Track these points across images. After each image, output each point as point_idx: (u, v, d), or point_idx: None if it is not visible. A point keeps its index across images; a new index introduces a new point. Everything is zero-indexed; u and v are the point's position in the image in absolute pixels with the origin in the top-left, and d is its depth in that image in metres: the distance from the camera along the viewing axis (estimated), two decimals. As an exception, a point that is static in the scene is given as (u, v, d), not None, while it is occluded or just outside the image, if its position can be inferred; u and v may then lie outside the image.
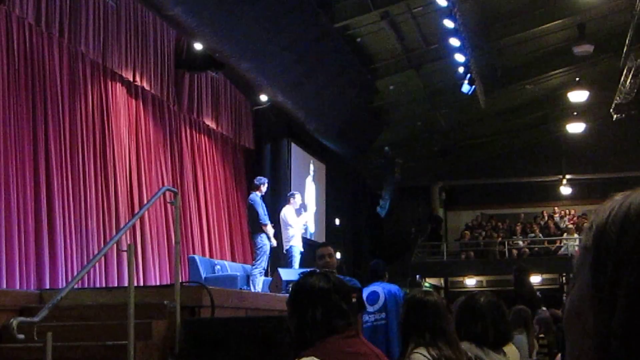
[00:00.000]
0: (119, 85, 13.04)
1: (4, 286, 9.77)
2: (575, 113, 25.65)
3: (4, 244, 9.96)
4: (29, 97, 10.75)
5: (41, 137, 10.90)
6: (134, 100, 13.55)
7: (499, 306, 4.37)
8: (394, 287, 9.68)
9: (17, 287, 9.83)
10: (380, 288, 9.41)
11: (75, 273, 11.04)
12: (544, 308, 10.35)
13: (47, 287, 10.20)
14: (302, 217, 14.07)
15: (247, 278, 12.97)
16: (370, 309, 9.32)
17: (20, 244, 10.18)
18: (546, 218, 28.07)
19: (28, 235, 10.37)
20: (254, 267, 12.85)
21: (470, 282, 27.96)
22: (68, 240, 11.16)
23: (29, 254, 10.33)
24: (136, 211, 12.01)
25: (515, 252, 26.46)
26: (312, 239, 18.81)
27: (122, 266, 12.44)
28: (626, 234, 0.97)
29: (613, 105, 23.33)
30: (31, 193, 10.56)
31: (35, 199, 10.62)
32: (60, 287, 10.11)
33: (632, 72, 20.54)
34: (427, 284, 26.30)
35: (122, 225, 11.95)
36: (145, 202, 12.28)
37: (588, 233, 1.03)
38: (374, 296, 9.40)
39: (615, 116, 23.79)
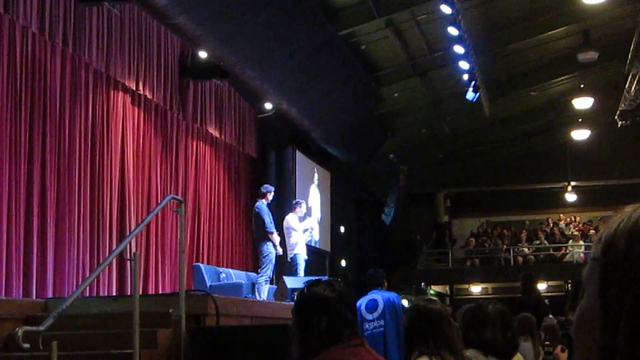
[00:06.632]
0: (122, 94, 13.04)
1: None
2: (580, 120, 25.65)
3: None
4: (28, 106, 10.73)
5: (38, 144, 10.85)
6: (137, 109, 13.55)
7: (507, 315, 4.37)
8: (392, 295, 9.72)
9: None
10: (379, 296, 9.45)
11: (68, 283, 11.05)
12: (551, 316, 10.33)
13: (35, 297, 10.16)
14: (306, 222, 14.06)
15: (252, 286, 12.96)
16: (369, 316, 9.35)
17: (10, 254, 10.13)
18: (551, 225, 28.06)
19: (19, 245, 10.33)
20: (259, 275, 12.85)
21: (476, 289, 27.93)
22: (59, 250, 11.12)
23: (19, 263, 10.30)
24: (142, 220, 12.00)
25: (520, 259, 26.42)
26: (317, 246, 18.81)
27: (125, 275, 12.46)
28: (634, 246, 0.98)
29: (618, 112, 23.32)
30: (25, 201, 10.53)
31: (27, 206, 10.59)
32: (49, 296, 10.11)
33: (637, 78, 20.54)
34: (432, 292, 26.29)
35: (125, 235, 11.98)
36: (151, 210, 12.27)
37: (597, 245, 1.03)
38: (373, 304, 9.44)
39: (620, 123, 23.77)
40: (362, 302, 9.50)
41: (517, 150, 28.53)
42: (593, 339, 1.00)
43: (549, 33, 18.93)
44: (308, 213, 15.37)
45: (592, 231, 26.11)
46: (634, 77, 20.75)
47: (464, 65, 17.51)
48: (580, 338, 1.05)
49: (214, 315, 7.61)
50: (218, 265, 14.78)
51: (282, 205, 15.81)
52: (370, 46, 17.93)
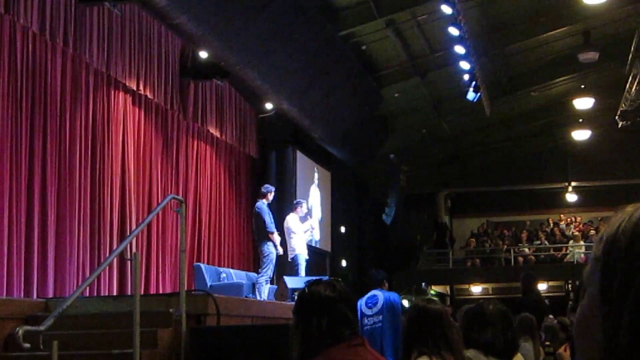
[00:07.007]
0: (122, 94, 13.04)
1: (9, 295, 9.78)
2: (580, 120, 25.65)
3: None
4: (28, 106, 10.73)
5: (38, 145, 10.84)
6: (137, 109, 13.55)
7: (508, 315, 4.36)
8: (393, 295, 9.84)
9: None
10: (380, 293, 9.59)
11: (68, 283, 11.06)
12: (551, 316, 10.33)
13: (36, 297, 10.16)
14: (307, 223, 14.06)
15: (253, 286, 12.96)
16: (368, 312, 9.47)
17: (11, 253, 10.13)
18: (552, 225, 28.04)
19: (20, 244, 10.33)
20: (260, 275, 12.84)
21: (476, 289, 27.93)
22: (60, 250, 11.12)
23: (20, 263, 10.30)
24: (142, 220, 12.00)
25: (521, 259, 26.41)
26: (318, 246, 18.81)
27: (126, 274, 12.47)
28: (635, 245, 0.98)
29: (618, 112, 23.32)
30: (25, 200, 10.53)
31: (28, 206, 10.59)
32: (50, 296, 10.12)
33: (637, 79, 20.54)
34: (432, 292, 26.29)
35: (125, 234, 11.99)
36: (152, 210, 12.28)
37: (598, 244, 1.03)
38: (373, 300, 9.58)
39: (620, 123, 23.77)
40: (362, 299, 9.62)
41: (517, 151, 28.52)
42: (594, 339, 1.01)
43: (550, 33, 18.91)
44: (308, 213, 15.35)
45: (592, 231, 26.09)
46: (634, 77, 20.76)
47: (464, 65, 17.51)
48: (582, 337, 1.05)
49: (215, 315, 7.61)
50: (218, 265, 14.79)
51: (283, 205, 15.81)
52: (370, 46, 17.93)
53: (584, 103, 23.04)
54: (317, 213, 18.92)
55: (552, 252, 26.54)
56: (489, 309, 4.31)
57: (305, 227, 13.82)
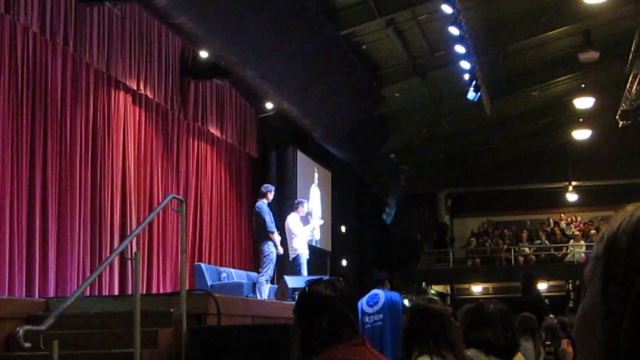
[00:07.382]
0: (123, 93, 13.03)
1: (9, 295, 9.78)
2: (581, 120, 25.65)
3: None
4: (29, 106, 10.73)
5: (39, 145, 10.84)
6: (138, 109, 13.55)
7: (508, 314, 4.37)
8: (394, 294, 9.90)
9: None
10: (381, 292, 9.64)
11: (69, 282, 11.06)
12: (551, 315, 10.32)
13: (37, 296, 10.16)
14: (309, 226, 14.07)
15: (253, 286, 12.96)
16: (369, 310, 9.51)
17: (12, 253, 10.13)
18: (552, 225, 28.05)
19: (21, 244, 10.33)
20: (260, 274, 12.84)
21: (477, 289, 27.94)
22: (61, 249, 11.11)
23: (21, 263, 10.29)
24: (143, 219, 11.99)
25: (521, 259, 26.42)
26: (318, 246, 18.80)
27: (127, 274, 12.46)
28: (636, 244, 0.98)
29: (619, 111, 23.33)
30: (26, 200, 10.52)
31: (29, 206, 10.58)
32: (51, 296, 10.12)
33: (637, 78, 20.55)
34: (433, 291, 26.29)
35: (126, 234, 11.99)
36: (152, 210, 12.28)
37: (599, 243, 1.04)
38: (374, 299, 9.64)
39: (621, 123, 23.78)
40: (363, 298, 9.66)
41: (518, 150, 28.53)
42: (595, 338, 1.01)
43: (550, 33, 18.92)
44: (309, 214, 15.35)
45: (593, 231, 26.10)
46: (634, 77, 20.77)
47: (465, 65, 17.50)
48: (583, 336, 1.05)
49: (215, 315, 7.62)
50: (219, 265, 14.80)
51: (283, 205, 15.80)
52: (371, 46, 17.93)
53: (584, 102, 23.03)
54: (317, 213, 18.91)
55: (552, 251, 26.55)
56: (490, 309, 4.31)
57: (309, 229, 13.87)
